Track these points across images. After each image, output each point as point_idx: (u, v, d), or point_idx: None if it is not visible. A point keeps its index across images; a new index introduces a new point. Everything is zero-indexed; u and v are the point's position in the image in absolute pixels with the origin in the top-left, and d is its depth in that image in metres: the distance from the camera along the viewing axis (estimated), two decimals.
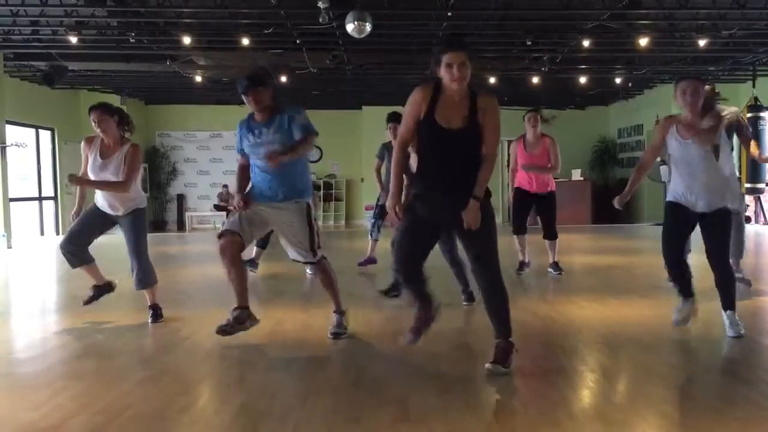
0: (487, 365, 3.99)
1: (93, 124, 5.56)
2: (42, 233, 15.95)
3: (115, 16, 10.25)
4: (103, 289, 6.06)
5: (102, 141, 5.65)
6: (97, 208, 5.74)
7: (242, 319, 4.88)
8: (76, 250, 5.73)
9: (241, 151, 4.99)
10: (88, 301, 6.00)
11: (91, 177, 5.65)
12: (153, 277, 5.80)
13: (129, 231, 5.68)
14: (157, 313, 5.82)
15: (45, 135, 16.24)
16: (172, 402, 3.65)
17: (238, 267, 4.93)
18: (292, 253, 5.00)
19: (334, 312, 5.15)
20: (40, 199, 16.03)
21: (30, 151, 15.83)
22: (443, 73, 3.83)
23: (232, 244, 4.79)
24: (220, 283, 8.24)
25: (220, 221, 18.81)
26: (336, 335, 5.05)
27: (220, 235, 4.83)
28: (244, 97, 4.80)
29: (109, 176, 5.57)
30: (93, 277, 5.99)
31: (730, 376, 4.07)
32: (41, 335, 5.52)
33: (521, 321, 5.59)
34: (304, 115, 4.85)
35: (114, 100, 16.93)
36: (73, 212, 5.87)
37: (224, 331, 4.79)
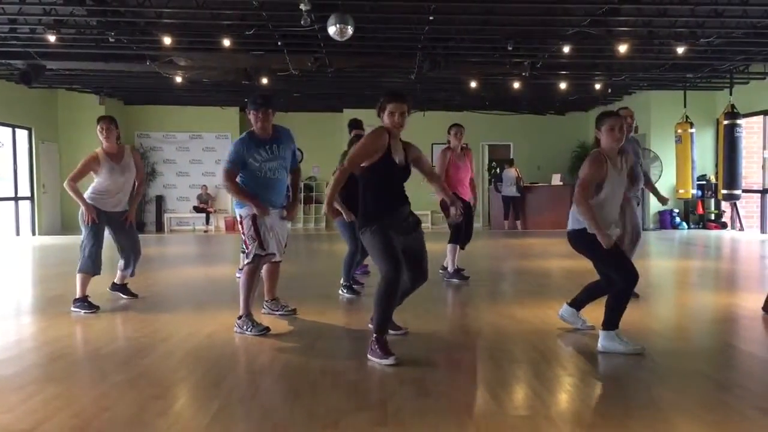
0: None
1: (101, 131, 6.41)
2: (18, 233, 15.76)
3: (95, 15, 10.15)
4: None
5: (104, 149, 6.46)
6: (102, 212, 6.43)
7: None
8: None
9: (241, 165, 5.42)
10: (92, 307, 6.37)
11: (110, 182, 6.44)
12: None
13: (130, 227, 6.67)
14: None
15: (22, 134, 16.06)
16: (149, 405, 3.62)
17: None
18: (279, 255, 5.73)
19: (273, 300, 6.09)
20: (16, 199, 15.84)
21: (6, 151, 15.63)
22: (386, 118, 4.52)
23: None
24: (198, 285, 8.22)
25: (199, 223, 18.72)
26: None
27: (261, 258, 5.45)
28: (254, 113, 5.39)
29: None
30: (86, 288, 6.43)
31: (706, 381, 4.11)
32: (16, 337, 5.45)
33: (499, 325, 5.63)
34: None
35: (93, 99, 16.81)
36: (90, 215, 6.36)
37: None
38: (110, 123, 6.50)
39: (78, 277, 6.34)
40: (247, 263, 5.46)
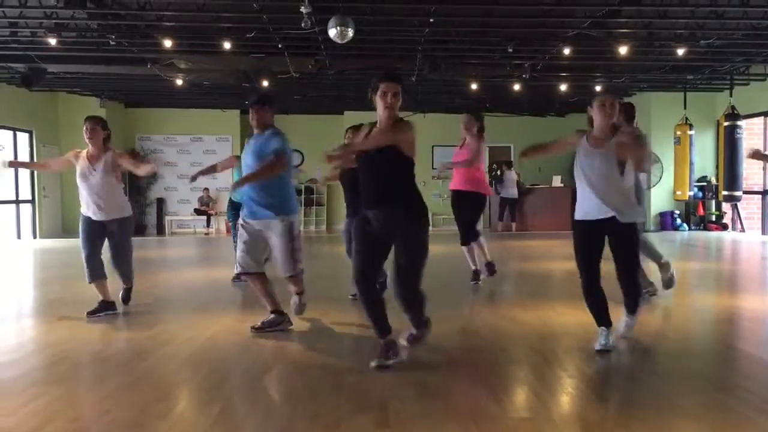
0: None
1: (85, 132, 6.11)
2: (19, 237, 15.76)
3: (95, 18, 10.16)
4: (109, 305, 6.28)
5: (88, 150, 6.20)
6: (87, 219, 6.16)
7: (277, 321, 5.48)
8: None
9: None
10: (92, 313, 6.16)
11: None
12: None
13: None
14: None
15: (23, 137, 16.06)
16: (149, 408, 3.61)
17: (265, 287, 5.50)
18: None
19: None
20: (17, 202, 15.84)
21: (7, 154, 15.63)
22: (378, 100, 4.35)
23: (256, 281, 5.47)
24: (199, 288, 8.21)
25: (200, 225, 18.73)
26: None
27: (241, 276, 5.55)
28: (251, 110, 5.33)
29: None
30: (101, 293, 6.24)
31: (707, 383, 4.11)
32: (17, 340, 5.45)
33: (501, 326, 5.62)
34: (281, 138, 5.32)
35: (94, 102, 16.81)
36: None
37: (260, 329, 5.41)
38: (95, 123, 6.13)
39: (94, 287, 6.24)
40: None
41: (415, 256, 4.31)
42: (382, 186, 4.32)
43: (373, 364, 4.29)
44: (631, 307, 4.93)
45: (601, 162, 4.65)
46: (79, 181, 6.13)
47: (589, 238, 4.75)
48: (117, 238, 6.24)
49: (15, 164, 6.22)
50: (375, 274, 4.48)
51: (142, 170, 6.42)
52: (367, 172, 4.38)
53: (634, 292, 4.91)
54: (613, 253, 4.81)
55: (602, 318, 4.78)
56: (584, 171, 4.72)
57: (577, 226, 4.81)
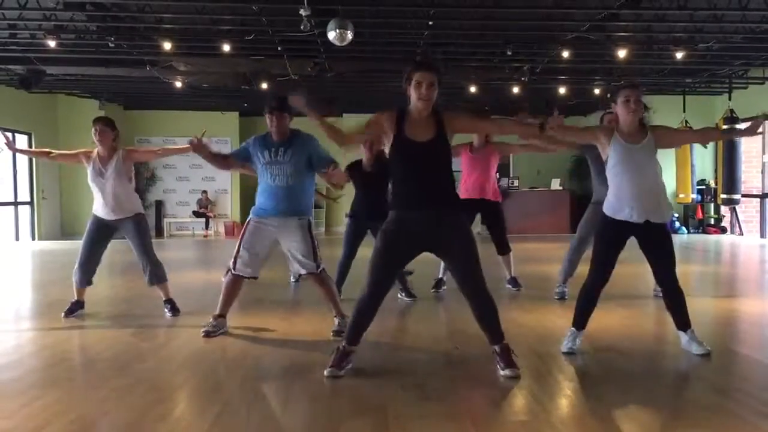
0: (504, 372, 4.19)
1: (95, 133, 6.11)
2: (17, 238, 15.75)
3: (95, 20, 10.17)
4: (81, 304, 6.35)
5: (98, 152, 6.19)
6: (98, 219, 6.15)
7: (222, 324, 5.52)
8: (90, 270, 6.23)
9: (237, 156, 5.49)
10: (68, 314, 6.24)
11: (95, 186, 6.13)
12: (165, 273, 6.39)
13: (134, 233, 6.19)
14: (174, 307, 6.37)
15: (22, 139, 16.06)
16: (148, 410, 3.61)
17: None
18: (295, 267, 5.45)
19: (335, 316, 5.53)
20: (16, 204, 15.84)
21: (6, 156, 15.63)
22: (412, 91, 4.11)
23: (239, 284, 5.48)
24: (198, 290, 8.20)
25: (199, 227, 18.73)
26: (337, 333, 5.29)
27: (235, 277, 5.38)
28: (268, 115, 5.23)
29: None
30: (79, 295, 6.30)
31: (706, 386, 4.10)
32: (15, 342, 5.44)
33: None
34: (320, 144, 5.43)
35: (93, 104, 16.82)
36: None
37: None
38: (105, 125, 6.15)
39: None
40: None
41: (477, 260, 4.22)
42: (439, 183, 4.13)
43: (326, 373, 4.19)
44: (683, 322, 4.70)
45: (642, 156, 4.51)
46: (91, 182, 6.13)
47: (618, 238, 4.61)
48: (134, 237, 6.20)
49: (12, 148, 6.14)
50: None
51: (170, 148, 6.76)
52: (417, 163, 4.07)
53: (679, 298, 4.67)
54: (651, 255, 4.65)
55: (583, 321, 4.77)
56: (624, 168, 4.51)
57: (609, 222, 4.59)
